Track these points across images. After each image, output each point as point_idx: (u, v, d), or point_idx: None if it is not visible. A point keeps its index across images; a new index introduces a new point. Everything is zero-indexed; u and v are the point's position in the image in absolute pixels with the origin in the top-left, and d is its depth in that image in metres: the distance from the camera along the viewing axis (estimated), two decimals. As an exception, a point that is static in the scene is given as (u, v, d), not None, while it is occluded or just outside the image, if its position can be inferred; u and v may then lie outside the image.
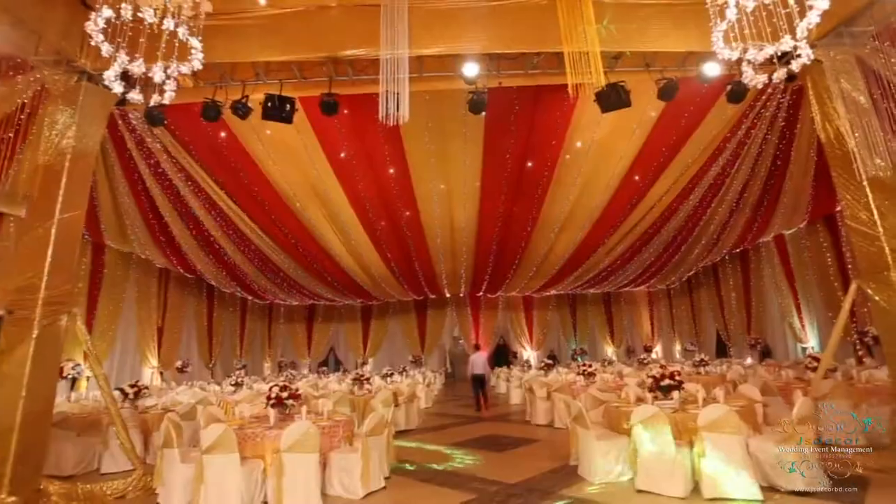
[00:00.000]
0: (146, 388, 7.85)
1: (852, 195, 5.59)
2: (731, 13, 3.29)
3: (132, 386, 7.53)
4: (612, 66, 6.43)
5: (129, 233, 11.05)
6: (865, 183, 5.44)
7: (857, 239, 5.57)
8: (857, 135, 5.51)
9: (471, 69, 6.26)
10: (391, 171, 9.70)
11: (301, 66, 6.61)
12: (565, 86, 5.27)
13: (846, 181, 5.65)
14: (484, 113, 6.77)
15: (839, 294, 11.04)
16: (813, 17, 3.06)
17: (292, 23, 5.94)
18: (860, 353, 10.28)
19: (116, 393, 7.20)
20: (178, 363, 14.67)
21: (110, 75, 3.54)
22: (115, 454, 6.26)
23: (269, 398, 5.28)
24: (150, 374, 13.60)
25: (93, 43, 3.43)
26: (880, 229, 5.33)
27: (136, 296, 13.44)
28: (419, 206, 11.05)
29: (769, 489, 4.29)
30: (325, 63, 6.48)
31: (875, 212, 5.38)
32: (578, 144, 8.97)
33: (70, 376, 10.34)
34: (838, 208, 9.90)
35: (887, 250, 5.27)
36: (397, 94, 4.73)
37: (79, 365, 10.53)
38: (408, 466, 6.04)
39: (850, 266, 10.79)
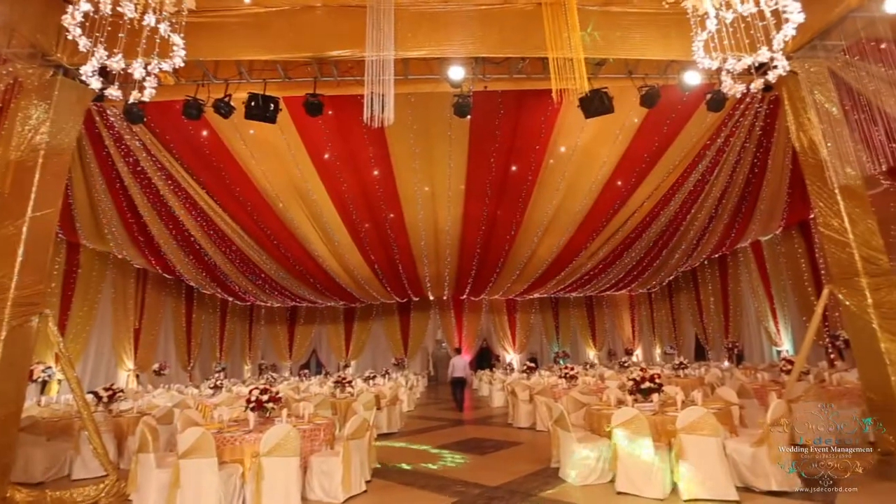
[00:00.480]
0: (121, 391, 7.65)
1: (825, 203, 5.78)
2: (712, 24, 3.37)
3: (107, 389, 7.34)
4: (596, 73, 6.54)
5: (106, 232, 10.78)
6: (837, 191, 5.63)
7: (830, 245, 5.74)
8: (829, 145, 5.70)
9: (456, 72, 6.28)
10: (375, 172, 9.66)
11: (285, 66, 6.56)
12: (549, 91, 5.32)
13: (819, 189, 5.83)
14: (469, 116, 6.80)
15: (812, 299, 11.37)
16: (789, 30, 3.16)
17: (277, 22, 5.88)
18: (832, 356, 10.58)
19: (90, 396, 7.00)
20: (156, 366, 14.36)
21: (88, 70, 3.45)
22: (87, 460, 6.07)
23: (248, 401, 5.19)
24: (125, 376, 13.27)
25: (70, 37, 3.34)
26: (851, 236, 5.52)
27: (112, 296, 13.12)
28: (403, 208, 11.03)
29: (745, 490, 4.37)
30: (310, 63, 6.43)
31: (846, 219, 5.58)
32: (562, 149, 9.07)
33: (40, 379, 10.05)
34: (812, 215, 10.20)
35: (857, 256, 5.46)
36: (382, 95, 4.72)
37: (50, 367, 10.24)
38: (390, 470, 6.00)
39: (822, 271, 11.12)
